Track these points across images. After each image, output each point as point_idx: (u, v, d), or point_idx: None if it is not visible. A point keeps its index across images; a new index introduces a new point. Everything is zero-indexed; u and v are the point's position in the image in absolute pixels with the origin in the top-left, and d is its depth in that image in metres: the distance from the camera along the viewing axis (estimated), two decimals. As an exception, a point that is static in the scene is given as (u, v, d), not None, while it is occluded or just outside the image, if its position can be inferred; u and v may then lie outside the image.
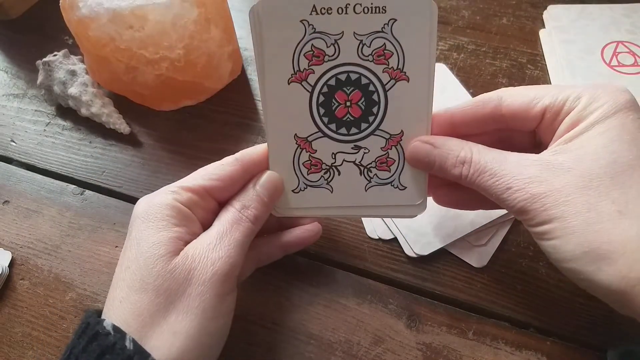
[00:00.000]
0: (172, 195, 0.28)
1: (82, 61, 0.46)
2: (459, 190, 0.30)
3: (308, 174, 0.30)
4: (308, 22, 0.27)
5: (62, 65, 0.44)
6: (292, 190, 0.30)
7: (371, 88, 0.28)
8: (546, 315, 0.32)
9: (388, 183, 0.30)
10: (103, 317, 0.26)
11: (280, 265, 0.35)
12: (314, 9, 0.26)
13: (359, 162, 0.29)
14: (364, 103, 0.28)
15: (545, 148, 0.27)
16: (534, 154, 0.26)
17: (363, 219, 0.37)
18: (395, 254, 0.36)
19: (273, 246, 0.33)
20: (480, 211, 0.36)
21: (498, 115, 0.28)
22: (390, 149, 0.29)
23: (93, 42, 0.39)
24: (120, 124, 0.43)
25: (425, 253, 0.35)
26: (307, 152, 0.29)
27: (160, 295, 0.25)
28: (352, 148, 0.29)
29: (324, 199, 0.30)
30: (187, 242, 0.27)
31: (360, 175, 0.30)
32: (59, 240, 0.38)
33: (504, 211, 0.35)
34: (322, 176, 0.30)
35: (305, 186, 0.30)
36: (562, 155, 0.25)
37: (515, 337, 0.32)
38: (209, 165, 0.30)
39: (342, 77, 0.28)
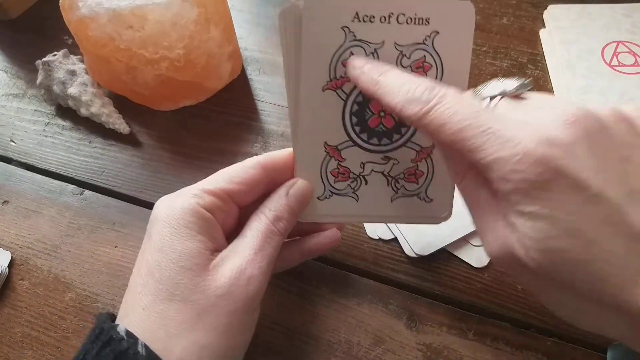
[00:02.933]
0: (194, 199, 0.27)
1: (82, 61, 0.45)
2: None
3: (335, 182, 0.29)
4: (349, 29, 0.26)
5: (61, 65, 0.44)
6: (318, 197, 0.30)
7: None
8: (547, 316, 0.32)
9: (414, 195, 0.30)
10: (118, 321, 0.25)
11: (281, 270, 0.35)
12: (356, 16, 0.26)
13: (388, 172, 0.29)
14: None
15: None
16: None
17: (363, 219, 0.37)
18: (395, 254, 0.36)
19: (294, 252, 0.32)
20: (481, 211, 0.36)
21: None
22: (420, 162, 0.29)
23: (93, 42, 0.39)
24: (119, 124, 0.43)
25: (426, 253, 0.35)
26: (335, 160, 0.29)
27: (188, 307, 0.24)
28: (382, 158, 0.29)
29: (349, 207, 0.30)
30: (210, 250, 0.26)
31: (388, 185, 0.29)
32: (58, 241, 0.38)
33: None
34: (348, 185, 0.29)
35: (331, 194, 0.30)
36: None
37: (515, 338, 0.32)
38: (231, 167, 0.29)
39: None
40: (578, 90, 0.41)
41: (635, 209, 0.21)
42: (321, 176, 0.29)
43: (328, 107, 0.27)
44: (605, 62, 0.43)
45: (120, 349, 0.23)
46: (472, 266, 0.34)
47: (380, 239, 0.36)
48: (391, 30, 0.26)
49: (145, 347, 0.23)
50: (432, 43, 0.26)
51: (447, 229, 0.35)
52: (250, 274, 0.25)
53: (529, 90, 0.24)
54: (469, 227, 0.35)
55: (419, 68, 0.27)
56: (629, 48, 0.44)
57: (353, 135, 0.28)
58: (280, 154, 0.29)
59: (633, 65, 0.42)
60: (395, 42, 0.26)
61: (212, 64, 0.42)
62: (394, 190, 0.29)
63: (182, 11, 0.39)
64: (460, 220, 0.35)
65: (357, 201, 0.30)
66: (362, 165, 0.29)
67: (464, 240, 0.35)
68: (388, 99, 0.24)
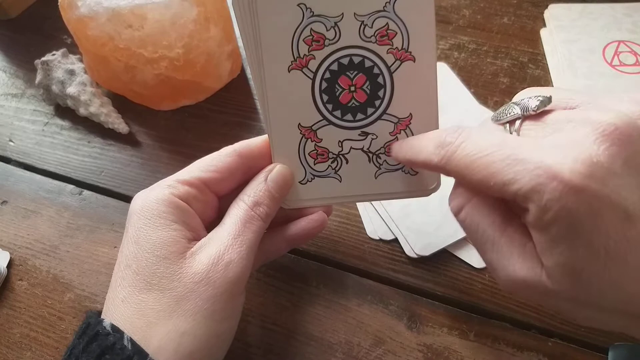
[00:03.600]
0: (168, 189, 0.27)
1: (81, 60, 0.45)
2: None
3: (315, 164, 0.29)
4: (305, 6, 0.26)
5: (60, 64, 0.44)
6: (300, 182, 0.29)
7: (376, 71, 0.27)
8: (547, 316, 0.32)
9: (399, 169, 0.29)
10: (103, 316, 0.25)
11: (281, 266, 0.35)
12: None
13: (367, 148, 0.28)
14: (369, 87, 0.27)
15: None
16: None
17: (364, 219, 0.37)
18: (395, 254, 0.35)
19: (279, 240, 0.32)
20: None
21: None
22: (399, 133, 0.28)
23: (92, 42, 0.39)
24: (119, 124, 0.43)
25: (426, 254, 0.35)
26: (312, 141, 0.28)
27: (166, 295, 0.24)
28: (359, 135, 0.28)
29: (333, 188, 0.29)
30: (188, 239, 0.26)
31: (369, 162, 0.29)
32: (57, 241, 0.38)
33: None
34: (329, 165, 0.29)
35: (312, 177, 0.29)
36: None
37: (516, 338, 0.32)
38: (206, 156, 0.29)
39: (345, 61, 0.27)
40: (579, 90, 0.41)
41: None
42: (300, 159, 0.29)
43: (296, 88, 0.27)
44: (607, 62, 0.43)
45: (106, 343, 0.23)
46: (473, 267, 0.34)
47: (380, 239, 0.36)
48: (349, 1, 0.26)
49: (131, 341, 0.23)
50: (393, 8, 0.26)
51: (447, 229, 0.35)
52: (228, 260, 0.25)
53: (549, 104, 0.23)
54: (470, 228, 0.35)
55: (384, 37, 0.26)
56: (630, 47, 0.43)
57: (326, 114, 0.28)
58: (256, 140, 0.29)
59: (634, 64, 0.42)
60: (355, 13, 0.26)
61: (211, 64, 0.41)
62: (376, 166, 0.29)
63: (182, 10, 0.39)
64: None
65: (340, 182, 0.29)
66: (340, 144, 0.28)
67: (465, 241, 0.35)
68: (423, 158, 0.24)
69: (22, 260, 0.37)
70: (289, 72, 0.27)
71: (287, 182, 0.29)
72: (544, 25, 0.48)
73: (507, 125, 0.24)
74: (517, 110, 0.23)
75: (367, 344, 0.32)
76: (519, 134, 0.23)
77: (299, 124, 0.28)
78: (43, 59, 0.44)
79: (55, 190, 0.41)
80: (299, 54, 0.26)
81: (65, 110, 0.46)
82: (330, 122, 0.28)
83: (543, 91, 0.24)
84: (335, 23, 0.26)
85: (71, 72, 0.44)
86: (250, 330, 0.33)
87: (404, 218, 0.36)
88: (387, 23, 0.26)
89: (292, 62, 0.27)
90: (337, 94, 0.27)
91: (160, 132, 0.44)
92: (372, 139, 0.28)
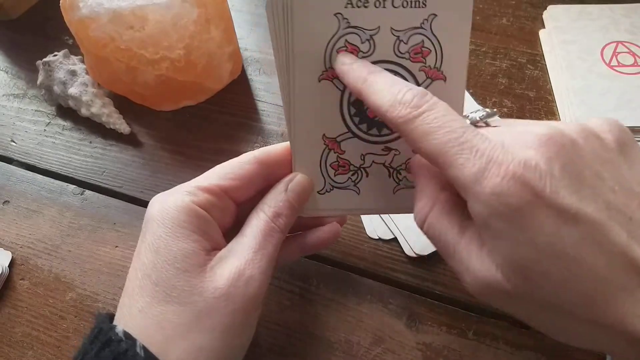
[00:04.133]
0: (188, 197, 0.26)
1: (83, 61, 0.46)
2: None
3: (335, 175, 0.29)
4: (342, 16, 0.25)
5: (62, 65, 0.44)
6: (318, 192, 0.29)
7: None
8: (546, 315, 0.32)
9: None
10: (115, 322, 0.25)
11: (281, 265, 0.36)
12: (349, 2, 0.25)
13: (389, 164, 0.28)
14: None
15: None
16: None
17: (363, 219, 0.37)
18: (395, 254, 0.36)
19: (293, 248, 0.32)
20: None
21: None
22: None
23: (93, 42, 0.39)
24: (120, 124, 0.43)
25: (425, 253, 0.35)
26: (335, 152, 0.28)
27: (186, 309, 0.24)
28: (382, 149, 0.28)
29: (350, 200, 0.29)
30: (207, 250, 0.26)
31: (389, 177, 0.29)
32: (59, 240, 0.38)
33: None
34: (349, 177, 0.29)
35: (331, 187, 0.29)
36: None
37: (515, 337, 0.32)
38: (226, 162, 0.29)
39: None
40: (577, 91, 0.41)
41: (613, 223, 0.21)
42: (321, 170, 0.28)
43: (325, 98, 0.27)
44: (605, 63, 0.43)
45: (119, 350, 0.23)
46: (472, 266, 0.34)
47: (380, 239, 0.36)
48: (386, 15, 0.25)
49: (144, 348, 0.23)
50: (430, 27, 0.26)
51: (446, 228, 0.35)
52: (249, 275, 0.25)
53: (495, 118, 0.24)
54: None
55: (418, 54, 0.26)
56: (628, 48, 0.44)
57: (352, 127, 0.28)
58: (277, 148, 0.29)
59: (632, 65, 0.43)
60: (391, 27, 0.25)
61: (212, 65, 0.42)
62: (395, 181, 0.29)
63: (183, 11, 0.39)
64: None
65: (358, 194, 0.29)
66: (362, 157, 0.28)
67: (464, 240, 0.35)
68: (374, 98, 0.24)
69: (24, 260, 0.38)
70: (319, 82, 0.26)
71: (307, 192, 0.28)
72: (543, 26, 0.48)
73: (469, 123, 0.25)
74: (474, 116, 0.25)
75: (366, 343, 0.32)
76: None
77: (324, 134, 0.28)
78: (45, 59, 0.45)
79: (57, 190, 0.41)
80: (331, 64, 0.26)
81: (66, 111, 0.46)
82: (355, 135, 0.28)
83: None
84: (371, 36, 0.26)
85: (73, 73, 0.44)
86: (251, 329, 0.33)
87: (403, 218, 0.36)
88: (422, 40, 0.26)
89: (323, 72, 0.26)
90: (365, 107, 0.27)
91: (161, 133, 0.44)
92: (395, 154, 0.28)
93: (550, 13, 0.47)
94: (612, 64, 0.43)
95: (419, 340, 0.32)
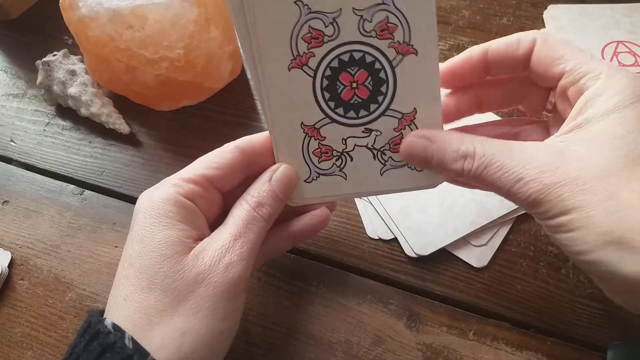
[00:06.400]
0: (174, 188, 0.27)
1: (82, 61, 0.45)
2: None
3: (319, 163, 0.29)
4: (302, 3, 0.25)
5: (61, 65, 0.44)
6: (305, 180, 0.29)
7: (377, 66, 0.26)
8: (546, 315, 0.32)
9: (404, 165, 0.29)
10: (105, 315, 0.25)
11: (281, 265, 0.35)
12: None
13: (372, 145, 0.28)
14: (371, 83, 0.27)
15: (558, 115, 0.26)
16: (541, 142, 0.25)
17: (363, 218, 0.37)
18: (395, 254, 0.36)
19: (282, 238, 0.32)
20: (481, 211, 0.36)
21: (526, 61, 0.27)
22: (404, 129, 0.28)
23: (93, 42, 0.39)
24: (120, 124, 0.43)
25: (426, 253, 0.35)
26: (315, 139, 0.28)
27: (168, 295, 0.25)
28: (362, 132, 0.28)
29: (338, 186, 0.29)
30: (193, 239, 0.27)
31: (374, 159, 0.28)
32: (58, 241, 0.38)
33: (504, 211, 0.35)
34: (333, 163, 0.29)
35: (317, 175, 0.29)
36: (575, 144, 0.23)
37: (515, 338, 0.32)
38: (208, 153, 0.29)
39: (345, 57, 0.26)
40: (578, 90, 0.41)
41: None
42: (304, 158, 0.28)
43: (297, 86, 0.27)
44: (605, 62, 0.43)
45: (107, 342, 0.23)
46: (472, 266, 0.34)
47: (380, 239, 0.36)
48: None
49: (132, 340, 0.23)
50: (393, 1, 0.25)
51: (447, 228, 0.35)
52: (229, 261, 0.25)
53: None
54: (469, 227, 0.35)
55: (384, 30, 0.26)
56: (628, 48, 0.44)
57: (329, 111, 0.27)
58: (258, 136, 0.29)
59: (633, 65, 0.42)
60: (353, 8, 0.25)
61: (212, 64, 0.42)
62: (381, 163, 0.29)
63: (182, 11, 0.39)
64: (460, 220, 0.36)
65: (345, 179, 0.29)
66: (344, 142, 0.28)
67: (464, 240, 0.35)
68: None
69: (24, 260, 0.38)
70: (289, 70, 0.26)
71: (292, 182, 0.28)
72: (544, 25, 0.48)
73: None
74: None
75: (366, 343, 0.32)
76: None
77: (302, 122, 0.28)
78: (44, 59, 0.44)
79: (57, 190, 0.41)
80: (298, 52, 0.26)
81: (66, 111, 0.46)
82: (333, 120, 0.28)
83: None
84: (334, 19, 0.26)
85: (72, 73, 0.44)
86: (251, 330, 0.33)
87: (403, 217, 0.36)
88: (387, 16, 0.26)
89: (291, 60, 0.26)
90: (339, 91, 0.27)
91: (161, 133, 0.44)
92: (377, 135, 0.28)
93: (551, 13, 0.47)
94: (612, 63, 0.43)
95: (419, 341, 0.32)
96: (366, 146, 0.28)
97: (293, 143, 0.28)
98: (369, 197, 0.37)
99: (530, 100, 0.30)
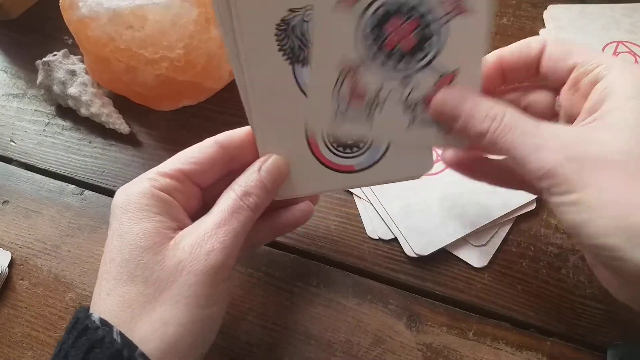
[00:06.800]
0: (149, 182, 0.27)
1: (82, 61, 0.45)
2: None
3: (349, 104, 0.27)
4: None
5: (61, 65, 0.44)
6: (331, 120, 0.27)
7: (429, 18, 0.25)
8: (546, 315, 0.32)
9: (431, 124, 0.28)
10: (90, 311, 0.25)
11: (281, 265, 0.36)
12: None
13: (406, 98, 0.27)
14: (419, 34, 0.26)
15: (564, 118, 0.26)
16: (566, 125, 0.25)
17: (363, 218, 0.37)
18: (395, 254, 0.36)
19: (265, 229, 0.32)
20: (481, 211, 0.36)
21: (538, 63, 0.27)
22: (442, 87, 0.27)
23: (93, 42, 0.39)
24: (120, 124, 0.43)
25: (426, 253, 0.35)
26: (351, 79, 0.27)
27: (150, 286, 0.24)
28: (400, 82, 0.27)
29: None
30: (172, 229, 0.26)
31: (404, 113, 0.27)
32: (58, 241, 0.38)
33: (504, 211, 0.35)
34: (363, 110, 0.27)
35: (343, 113, 0.28)
36: (597, 130, 0.23)
37: (515, 338, 0.32)
38: (188, 148, 0.29)
39: (396, 4, 0.25)
40: (578, 90, 0.41)
41: None
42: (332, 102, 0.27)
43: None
44: (605, 62, 0.43)
45: (95, 337, 0.23)
46: (472, 266, 0.34)
47: (380, 239, 0.36)
48: None
49: (120, 334, 0.23)
50: None
51: (447, 228, 0.35)
52: (210, 248, 0.25)
53: None
54: (469, 227, 0.35)
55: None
56: (628, 48, 0.44)
57: (370, 55, 0.26)
58: (239, 131, 0.29)
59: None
60: None
61: (212, 64, 0.42)
62: (410, 117, 0.28)
63: (182, 11, 0.39)
64: (460, 220, 0.36)
65: (370, 130, 0.28)
66: (378, 88, 0.27)
67: (464, 240, 0.35)
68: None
69: (24, 260, 0.38)
70: (337, 4, 0.25)
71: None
72: (544, 25, 0.48)
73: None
74: None
75: (366, 343, 0.32)
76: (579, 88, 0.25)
77: (342, 65, 0.26)
78: (44, 59, 0.44)
79: (57, 190, 0.41)
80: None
81: (66, 111, 0.46)
82: (373, 64, 0.26)
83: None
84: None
85: (72, 73, 0.44)
86: (251, 330, 0.33)
87: (403, 217, 0.36)
88: None
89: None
90: (384, 38, 0.26)
91: (161, 133, 0.44)
92: (413, 88, 0.27)
93: (551, 13, 0.47)
94: (612, 63, 0.43)
95: (419, 341, 0.32)
96: (400, 98, 0.27)
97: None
98: (368, 198, 0.37)
99: (536, 110, 0.29)
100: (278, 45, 0.26)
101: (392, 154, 0.28)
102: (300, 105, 0.27)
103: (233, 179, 0.28)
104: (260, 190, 0.27)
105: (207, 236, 0.26)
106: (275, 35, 0.26)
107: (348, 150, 0.29)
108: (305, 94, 0.27)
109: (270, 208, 0.31)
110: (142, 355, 0.23)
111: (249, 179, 0.27)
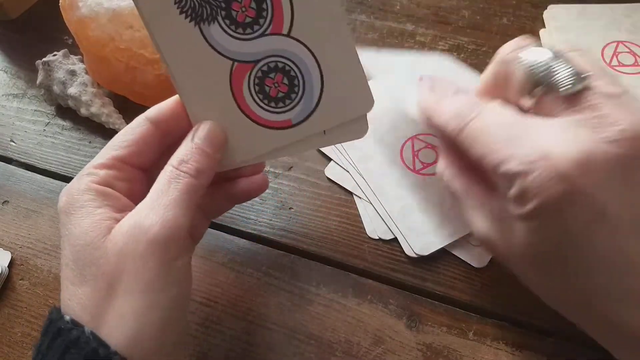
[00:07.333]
0: (86, 178, 0.26)
1: (82, 61, 0.45)
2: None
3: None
4: None
5: (61, 65, 0.44)
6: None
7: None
8: (547, 315, 0.32)
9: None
10: (62, 312, 0.25)
11: (281, 265, 0.36)
12: None
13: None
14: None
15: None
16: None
17: (363, 219, 0.37)
18: (395, 254, 0.36)
19: (219, 198, 0.31)
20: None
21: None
22: None
23: (93, 42, 0.39)
24: (120, 124, 0.43)
25: (426, 253, 0.35)
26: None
27: (100, 282, 0.23)
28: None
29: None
30: (115, 219, 0.25)
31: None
32: (58, 241, 0.38)
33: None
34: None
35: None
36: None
37: (515, 337, 0.32)
38: (119, 132, 0.28)
39: None
40: (578, 90, 0.41)
41: (636, 239, 0.22)
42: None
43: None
44: (605, 62, 0.43)
45: (70, 338, 0.23)
46: (472, 266, 0.34)
47: (380, 239, 0.36)
48: None
49: (92, 333, 0.23)
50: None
51: (447, 228, 0.35)
52: (149, 224, 0.23)
53: (582, 89, 0.22)
54: (469, 227, 0.35)
55: None
56: (629, 48, 0.44)
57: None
58: (167, 102, 0.28)
59: (633, 65, 0.42)
60: None
61: (212, 64, 0.42)
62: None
63: (182, 11, 0.39)
64: (460, 220, 0.35)
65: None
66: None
67: (464, 240, 0.35)
68: (442, 120, 0.28)
69: (24, 260, 0.38)
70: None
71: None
72: (543, 25, 0.48)
73: (534, 100, 0.25)
74: (546, 72, 0.24)
75: (366, 343, 0.32)
76: (534, 98, 0.25)
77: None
78: (44, 59, 0.44)
79: (57, 190, 0.41)
80: None
81: (66, 111, 0.46)
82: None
83: (581, 62, 0.24)
84: None
85: (72, 73, 0.44)
86: (251, 330, 0.33)
87: (403, 217, 0.36)
88: None
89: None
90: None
91: (160, 133, 0.44)
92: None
93: (551, 13, 0.47)
94: (612, 63, 0.43)
95: (419, 341, 0.32)
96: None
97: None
98: (368, 198, 0.37)
99: None
100: (178, 7, 0.25)
101: (328, 97, 0.27)
102: (218, 64, 0.26)
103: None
104: (198, 155, 0.26)
105: (144, 215, 0.24)
106: None
107: (280, 104, 0.27)
108: (219, 52, 0.26)
109: (223, 179, 0.31)
110: (116, 353, 0.22)
111: (184, 149, 0.26)
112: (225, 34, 0.26)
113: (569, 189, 0.21)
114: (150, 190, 0.25)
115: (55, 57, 0.45)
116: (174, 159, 0.26)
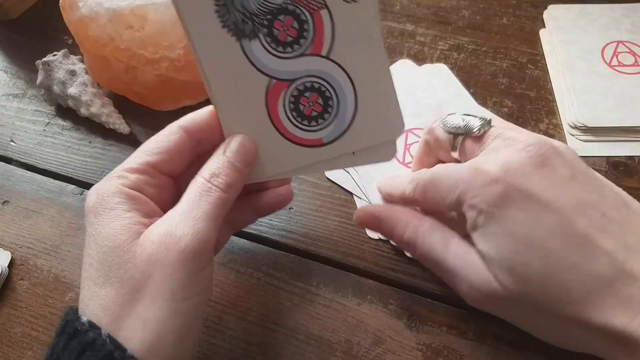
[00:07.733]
0: (117, 180, 0.26)
1: (82, 61, 0.46)
2: None
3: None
4: None
5: (61, 65, 0.44)
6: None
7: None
8: (546, 316, 0.32)
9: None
10: (79, 313, 0.25)
11: (281, 265, 0.36)
12: None
13: None
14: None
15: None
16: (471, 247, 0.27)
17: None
18: (395, 254, 0.36)
19: (246, 210, 0.31)
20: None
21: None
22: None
23: (93, 42, 0.39)
24: (120, 124, 0.43)
25: (426, 253, 0.35)
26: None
27: (125, 286, 0.24)
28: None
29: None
30: (143, 225, 0.25)
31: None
32: (58, 240, 0.38)
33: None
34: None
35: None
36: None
37: (515, 337, 0.32)
38: (152, 137, 0.28)
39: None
40: (578, 91, 0.41)
41: (581, 217, 0.24)
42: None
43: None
44: (605, 62, 0.43)
45: (86, 340, 0.23)
46: (472, 266, 0.34)
47: (380, 239, 0.36)
48: None
49: (109, 336, 0.23)
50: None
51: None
52: (180, 235, 0.24)
53: (489, 128, 0.29)
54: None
55: None
56: (628, 48, 0.44)
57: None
58: (201, 112, 0.28)
59: (633, 65, 0.43)
60: None
61: (212, 64, 0.42)
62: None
63: (182, 11, 0.39)
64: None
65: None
66: None
67: (464, 240, 0.35)
68: (399, 191, 0.32)
69: (24, 260, 0.38)
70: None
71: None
72: (543, 25, 0.48)
73: (452, 137, 0.30)
74: (461, 123, 0.30)
75: (366, 343, 0.32)
76: (457, 148, 0.30)
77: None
78: (44, 59, 0.44)
79: (57, 190, 0.41)
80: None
81: (66, 111, 0.46)
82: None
83: (479, 114, 0.30)
84: None
85: (72, 73, 0.44)
86: (251, 330, 0.33)
87: (403, 218, 0.36)
88: None
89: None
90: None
91: (160, 133, 0.44)
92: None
93: (551, 13, 0.47)
94: (612, 63, 0.43)
95: (420, 341, 0.32)
96: None
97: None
98: (368, 198, 0.37)
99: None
100: (221, 21, 0.25)
101: (360, 120, 0.27)
102: (255, 80, 0.26)
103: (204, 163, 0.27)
104: (229, 170, 0.26)
105: (175, 224, 0.24)
106: (216, 12, 0.25)
107: (313, 123, 0.28)
108: (257, 68, 0.26)
109: (249, 191, 0.31)
110: (132, 357, 0.23)
111: (216, 162, 0.26)
112: (265, 51, 0.26)
113: (504, 189, 0.25)
114: (181, 200, 0.26)
115: (55, 57, 0.45)
116: (205, 171, 0.26)
